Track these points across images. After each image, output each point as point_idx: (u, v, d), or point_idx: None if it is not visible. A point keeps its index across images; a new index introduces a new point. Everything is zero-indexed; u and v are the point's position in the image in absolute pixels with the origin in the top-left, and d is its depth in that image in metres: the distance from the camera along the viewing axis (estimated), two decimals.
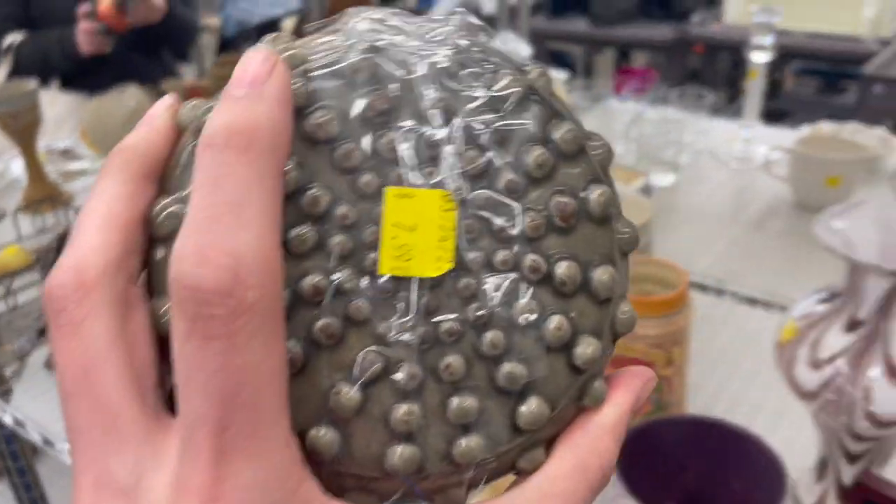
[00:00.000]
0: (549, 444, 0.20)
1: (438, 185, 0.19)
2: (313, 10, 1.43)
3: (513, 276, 0.19)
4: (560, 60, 3.75)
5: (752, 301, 0.88)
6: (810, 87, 3.43)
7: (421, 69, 0.19)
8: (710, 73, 3.23)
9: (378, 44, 0.19)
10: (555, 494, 0.19)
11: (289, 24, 1.52)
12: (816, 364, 0.49)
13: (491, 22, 1.97)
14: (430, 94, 0.19)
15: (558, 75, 1.34)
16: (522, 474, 0.20)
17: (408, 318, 0.18)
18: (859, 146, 1.05)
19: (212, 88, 1.34)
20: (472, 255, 0.19)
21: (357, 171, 0.19)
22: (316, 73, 0.19)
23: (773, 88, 3.61)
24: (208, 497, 0.15)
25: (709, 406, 0.72)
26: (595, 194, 0.20)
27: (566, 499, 0.19)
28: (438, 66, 0.19)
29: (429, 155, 0.19)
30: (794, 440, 0.67)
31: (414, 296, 0.18)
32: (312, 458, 0.18)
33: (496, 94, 0.19)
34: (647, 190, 1.05)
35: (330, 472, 0.18)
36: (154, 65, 1.72)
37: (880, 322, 0.48)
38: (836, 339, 0.49)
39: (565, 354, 0.19)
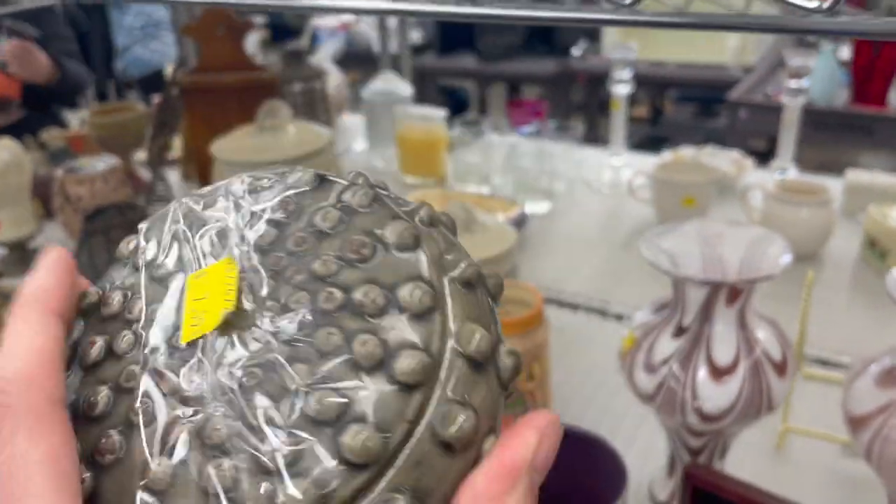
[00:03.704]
0: None
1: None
2: (189, 57, 1.44)
3: (305, 310, 0.19)
4: (453, 96, 3.85)
5: (618, 317, 0.94)
6: (687, 113, 3.64)
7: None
8: (594, 103, 3.39)
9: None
10: None
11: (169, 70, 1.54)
12: (651, 368, 0.55)
13: (375, 61, 2.02)
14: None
15: (437, 113, 1.40)
16: None
17: (198, 370, 0.19)
18: (711, 169, 1.14)
19: (91, 138, 1.33)
20: (268, 302, 0.20)
21: (165, 279, 0.22)
22: None
23: (656, 116, 3.82)
24: None
25: (577, 417, 0.77)
26: (391, 228, 0.21)
27: None
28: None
29: (222, 243, 0.21)
30: (653, 444, 0.73)
31: (201, 349, 0.19)
32: None
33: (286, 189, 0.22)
34: (522, 218, 1.10)
35: None
36: (43, 117, 1.70)
37: (702, 327, 0.54)
38: (666, 345, 0.55)
39: (384, 372, 0.18)
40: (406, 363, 0.18)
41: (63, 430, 0.19)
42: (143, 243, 0.23)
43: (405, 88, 1.50)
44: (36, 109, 1.68)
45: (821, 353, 0.85)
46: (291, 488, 0.17)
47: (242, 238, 0.21)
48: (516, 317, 0.63)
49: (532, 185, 1.25)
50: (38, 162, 1.43)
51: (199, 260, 0.21)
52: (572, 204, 1.28)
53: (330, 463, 0.17)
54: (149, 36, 2.59)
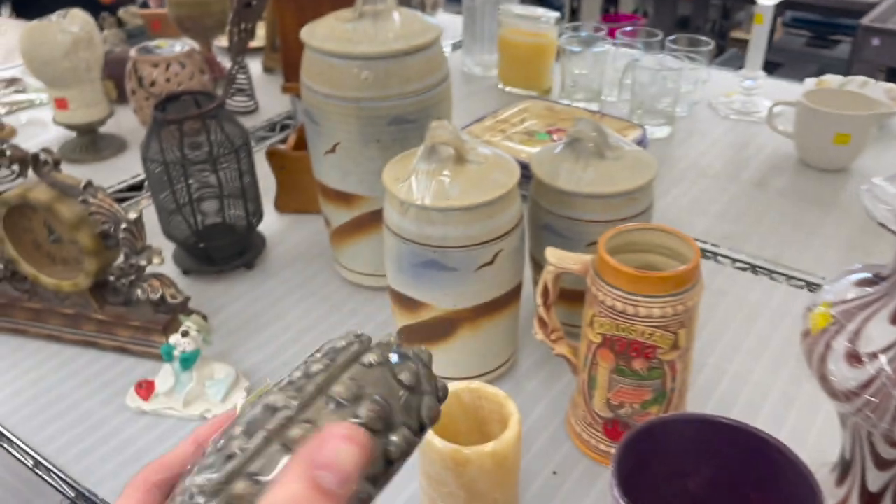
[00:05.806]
0: None
1: None
2: None
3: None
4: (547, 3, 3.62)
5: (754, 268, 0.81)
6: (801, 38, 3.34)
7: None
8: (700, 21, 3.12)
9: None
10: None
11: None
12: (856, 359, 0.42)
13: None
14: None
15: (550, 14, 1.24)
16: None
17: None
18: (872, 101, 0.97)
19: (170, 17, 1.22)
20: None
21: None
22: None
23: None
24: None
25: (708, 387, 0.65)
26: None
27: None
28: None
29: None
30: (806, 430, 0.61)
31: None
32: None
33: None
34: (641, 143, 0.96)
35: None
36: None
37: None
38: (881, 332, 0.42)
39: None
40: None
41: None
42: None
43: None
44: None
45: None
46: None
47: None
48: (665, 272, 0.51)
49: (650, 106, 1.10)
50: (114, 40, 1.34)
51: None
52: (695, 130, 1.13)
53: None
54: None
